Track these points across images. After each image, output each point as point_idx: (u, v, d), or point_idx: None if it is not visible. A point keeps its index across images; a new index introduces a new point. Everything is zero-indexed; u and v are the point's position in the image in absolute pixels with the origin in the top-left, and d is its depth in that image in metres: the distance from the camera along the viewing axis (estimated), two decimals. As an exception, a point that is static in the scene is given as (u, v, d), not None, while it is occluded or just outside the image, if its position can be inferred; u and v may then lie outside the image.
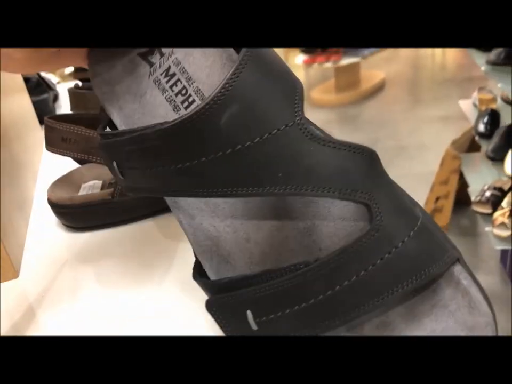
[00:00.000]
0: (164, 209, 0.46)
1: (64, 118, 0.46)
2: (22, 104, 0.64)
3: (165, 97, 0.30)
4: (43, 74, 1.09)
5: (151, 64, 0.30)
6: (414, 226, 0.24)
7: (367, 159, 0.25)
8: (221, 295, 0.26)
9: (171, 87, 0.30)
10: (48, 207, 0.48)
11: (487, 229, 1.48)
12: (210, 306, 0.26)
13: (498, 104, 1.82)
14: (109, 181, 0.50)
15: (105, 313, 0.37)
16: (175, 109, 0.30)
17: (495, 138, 1.56)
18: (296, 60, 3.33)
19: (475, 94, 1.93)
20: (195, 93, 0.29)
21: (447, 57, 3.89)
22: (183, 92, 0.30)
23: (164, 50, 0.30)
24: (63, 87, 0.93)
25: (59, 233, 0.48)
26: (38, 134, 0.68)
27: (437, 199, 1.86)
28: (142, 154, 0.25)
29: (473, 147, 1.89)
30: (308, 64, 3.24)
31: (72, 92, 0.57)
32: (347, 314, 0.23)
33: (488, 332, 0.25)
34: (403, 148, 2.46)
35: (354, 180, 0.24)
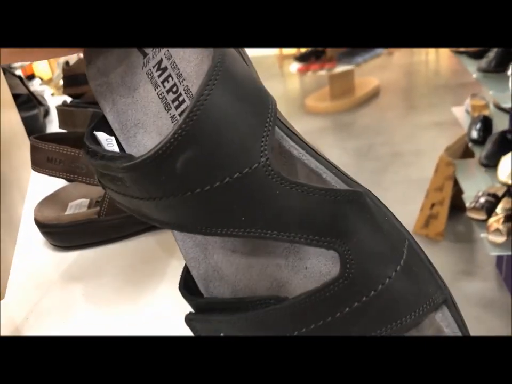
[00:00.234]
0: (151, 227, 0.46)
1: (49, 137, 0.46)
2: (10, 120, 0.64)
3: (157, 93, 0.30)
4: (35, 89, 1.10)
5: (145, 55, 0.30)
6: (393, 271, 0.23)
7: (343, 202, 0.23)
8: (198, 315, 0.27)
9: (163, 82, 0.29)
10: (36, 226, 0.48)
11: (482, 235, 1.48)
12: (189, 321, 0.27)
13: (491, 111, 1.83)
14: (96, 199, 0.50)
15: (94, 334, 0.36)
16: (166, 108, 0.29)
17: (488, 145, 1.57)
18: (290, 68, 3.35)
19: (468, 101, 1.94)
20: (185, 93, 0.29)
21: (440, 63, 3.91)
22: (174, 89, 0.29)
23: None
24: (58, 101, 0.93)
25: (47, 252, 0.48)
26: (27, 151, 0.67)
27: (432, 205, 1.87)
28: (111, 180, 0.24)
29: (467, 153, 1.89)
30: (302, 72, 3.26)
31: (60, 110, 0.57)
32: None
33: None
34: (398, 154, 2.46)
35: (323, 226, 0.23)
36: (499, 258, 1.63)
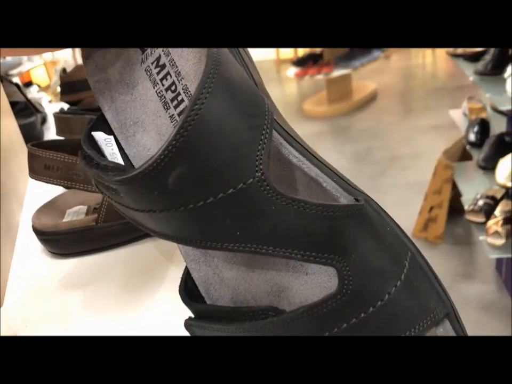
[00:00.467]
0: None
1: (47, 144, 0.46)
2: (7, 128, 0.64)
3: (156, 91, 0.29)
4: (33, 96, 1.10)
5: (143, 51, 0.29)
6: (393, 287, 0.23)
7: (342, 218, 0.23)
8: (197, 321, 0.26)
9: (161, 80, 0.29)
10: (33, 233, 0.47)
11: (481, 237, 1.48)
12: (188, 326, 0.27)
13: (488, 113, 1.83)
14: (94, 205, 0.49)
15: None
16: (165, 106, 0.29)
17: (486, 148, 1.57)
18: (288, 73, 3.35)
19: (465, 104, 1.95)
20: (184, 92, 0.29)
21: (437, 66, 3.93)
22: (173, 88, 0.29)
23: None
24: (55, 108, 0.93)
25: (45, 260, 0.48)
26: (25, 158, 0.67)
27: (431, 208, 1.87)
28: (106, 188, 0.24)
29: (465, 156, 1.90)
30: (299, 76, 3.26)
31: (57, 117, 0.57)
32: None
33: None
34: (396, 157, 2.47)
35: (320, 242, 0.22)
36: (499, 261, 1.63)
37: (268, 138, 0.22)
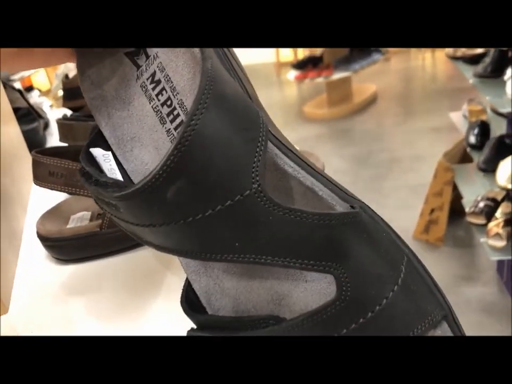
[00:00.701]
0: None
1: (51, 151, 0.46)
2: (11, 134, 0.64)
3: (152, 106, 0.30)
4: (34, 100, 1.10)
5: (138, 67, 0.30)
6: (390, 291, 0.23)
7: (338, 226, 0.23)
8: (200, 332, 0.26)
9: (157, 95, 0.29)
10: (38, 239, 0.48)
11: (482, 240, 1.48)
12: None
13: (488, 116, 1.84)
14: (98, 212, 0.50)
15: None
16: (161, 121, 0.29)
17: (486, 150, 1.57)
18: (288, 76, 3.36)
19: (465, 106, 1.95)
20: (179, 106, 0.29)
21: (437, 68, 3.93)
22: (168, 102, 0.29)
23: (149, 52, 0.29)
24: (56, 113, 0.94)
25: (49, 266, 0.48)
26: (28, 164, 0.68)
27: (432, 210, 1.87)
28: (107, 204, 0.24)
29: (465, 158, 1.90)
30: (299, 79, 3.27)
31: (60, 123, 0.58)
32: None
33: None
34: (396, 160, 2.47)
35: (317, 250, 0.23)
36: (500, 263, 1.63)
37: (263, 151, 0.23)
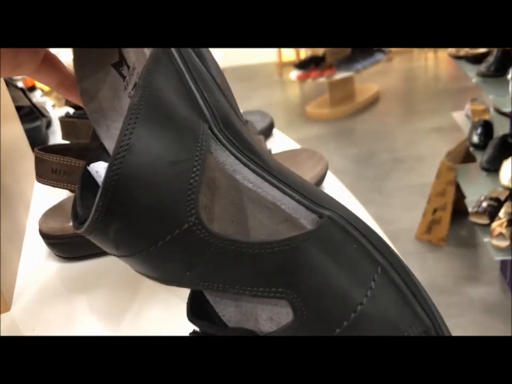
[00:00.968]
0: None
1: (54, 148, 0.46)
2: (13, 132, 0.64)
3: None
4: (36, 100, 1.10)
5: (123, 77, 0.30)
6: (352, 313, 0.22)
7: (286, 252, 0.22)
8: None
9: None
10: (40, 237, 0.48)
11: (486, 239, 1.48)
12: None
13: (491, 115, 1.83)
14: (100, 209, 0.50)
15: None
16: None
17: (489, 149, 1.57)
18: (290, 75, 3.36)
19: (468, 106, 1.94)
20: None
21: (439, 68, 3.93)
22: None
23: (129, 62, 0.30)
24: (59, 112, 0.94)
25: (51, 263, 0.48)
26: (30, 162, 0.68)
27: (435, 210, 1.87)
28: None
29: (468, 158, 1.89)
30: (302, 79, 3.27)
31: (63, 121, 0.58)
32: None
33: None
34: (399, 160, 2.47)
35: (264, 277, 0.23)
36: (503, 263, 1.62)
37: (198, 181, 0.22)
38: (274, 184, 0.25)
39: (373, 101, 3.30)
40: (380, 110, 3.20)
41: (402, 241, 1.84)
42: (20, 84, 1.20)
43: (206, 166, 0.25)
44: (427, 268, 1.71)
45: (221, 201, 0.27)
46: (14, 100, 0.73)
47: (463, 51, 1.81)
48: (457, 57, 1.82)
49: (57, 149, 0.47)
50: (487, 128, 1.71)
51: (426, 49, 4.07)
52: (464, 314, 1.49)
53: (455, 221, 1.87)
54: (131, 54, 0.29)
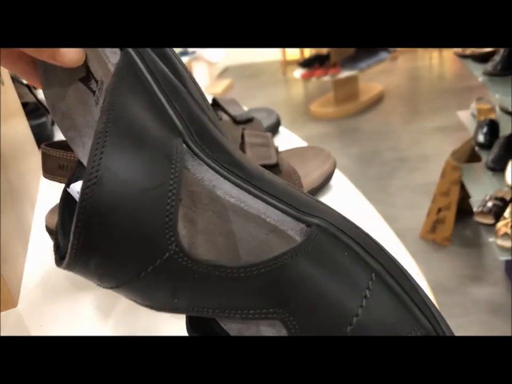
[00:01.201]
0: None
1: (61, 144, 0.46)
2: (19, 128, 0.64)
3: None
4: (40, 97, 1.10)
5: (93, 91, 0.29)
6: (348, 326, 0.22)
7: (271, 272, 0.22)
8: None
9: None
10: (47, 233, 0.47)
11: (491, 239, 1.47)
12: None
13: (497, 114, 1.82)
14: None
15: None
16: None
17: (495, 149, 1.56)
18: (294, 74, 3.35)
19: (473, 105, 1.94)
20: None
21: (444, 68, 3.91)
22: None
23: (96, 76, 0.29)
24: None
25: (57, 260, 0.48)
26: (36, 159, 0.68)
27: (439, 210, 1.86)
28: None
29: (473, 157, 1.89)
30: (306, 77, 3.26)
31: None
32: None
33: None
34: (403, 159, 2.46)
35: (253, 300, 0.22)
36: (508, 263, 1.62)
37: (175, 207, 0.21)
38: (257, 196, 0.24)
39: (377, 100, 3.29)
40: (384, 109, 3.19)
41: (406, 241, 1.83)
42: (25, 81, 1.20)
43: (185, 183, 0.25)
44: (431, 268, 1.71)
45: (205, 213, 0.26)
46: (20, 96, 0.73)
47: (470, 50, 1.80)
48: (463, 56, 1.81)
49: (64, 144, 0.46)
50: (492, 127, 1.70)
51: (431, 48, 4.05)
52: (469, 314, 1.49)
53: (460, 221, 1.86)
54: (97, 68, 0.28)
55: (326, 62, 3.21)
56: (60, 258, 0.24)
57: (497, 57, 1.58)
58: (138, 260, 0.21)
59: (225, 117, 0.65)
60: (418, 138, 2.65)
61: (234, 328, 0.27)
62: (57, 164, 0.43)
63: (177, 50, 3.50)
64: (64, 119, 0.31)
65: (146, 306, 0.24)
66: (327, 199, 0.51)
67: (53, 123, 0.87)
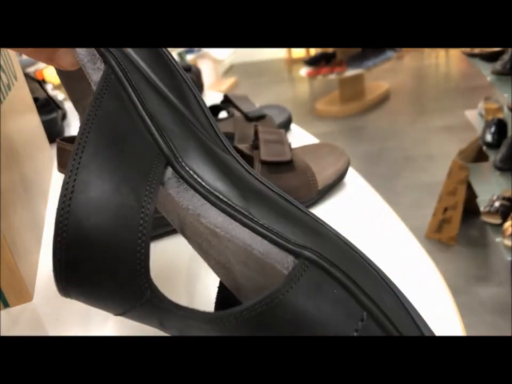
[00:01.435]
0: (174, 229, 0.46)
1: (75, 138, 0.46)
2: (31, 124, 0.64)
3: None
4: (51, 92, 1.10)
5: None
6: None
7: (247, 319, 0.21)
8: None
9: None
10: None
11: (497, 239, 1.46)
12: None
13: (505, 114, 1.82)
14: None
15: (120, 334, 0.36)
16: None
17: (503, 149, 1.56)
18: (300, 72, 3.35)
19: (481, 104, 1.93)
20: None
21: (450, 67, 3.90)
22: None
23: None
24: (69, 105, 0.94)
25: (71, 254, 0.48)
26: (48, 153, 0.68)
27: (445, 210, 1.85)
28: None
29: (480, 157, 1.88)
30: (312, 76, 3.26)
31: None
32: None
33: None
34: (410, 158, 2.45)
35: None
36: (514, 263, 1.61)
37: (145, 255, 0.22)
38: (245, 224, 0.23)
39: (383, 99, 3.29)
40: (390, 107, 3.18)
41: (412, 240, 1.83)
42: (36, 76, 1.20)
43: (168, 210, 0.26)
44: (437, 267, 1.71)
45: (195, 240, 0.27)
46: (31, 91, 0.73)
47: (478, 49, 1.79)
48: (471, 55, 1.80)
49: (79, 139, 0.46)
50: (501, 127, 1.70)
51: (437, 48, 4.04)
52: (474, 314, 1.48)
53: (466, 221, 1.86)
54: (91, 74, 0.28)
55: (332, 60, 3.20)
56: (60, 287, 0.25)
57: (506, 56, 1.57)
58: (117, 304, 0.23)
59: (237, 114, 0.65)
60: (425, 137, 2.64)
61: None
62: (73, 158, 0.43)
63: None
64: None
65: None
66: (341, 196, 0.50)
67: (62, 118, 0.87)
